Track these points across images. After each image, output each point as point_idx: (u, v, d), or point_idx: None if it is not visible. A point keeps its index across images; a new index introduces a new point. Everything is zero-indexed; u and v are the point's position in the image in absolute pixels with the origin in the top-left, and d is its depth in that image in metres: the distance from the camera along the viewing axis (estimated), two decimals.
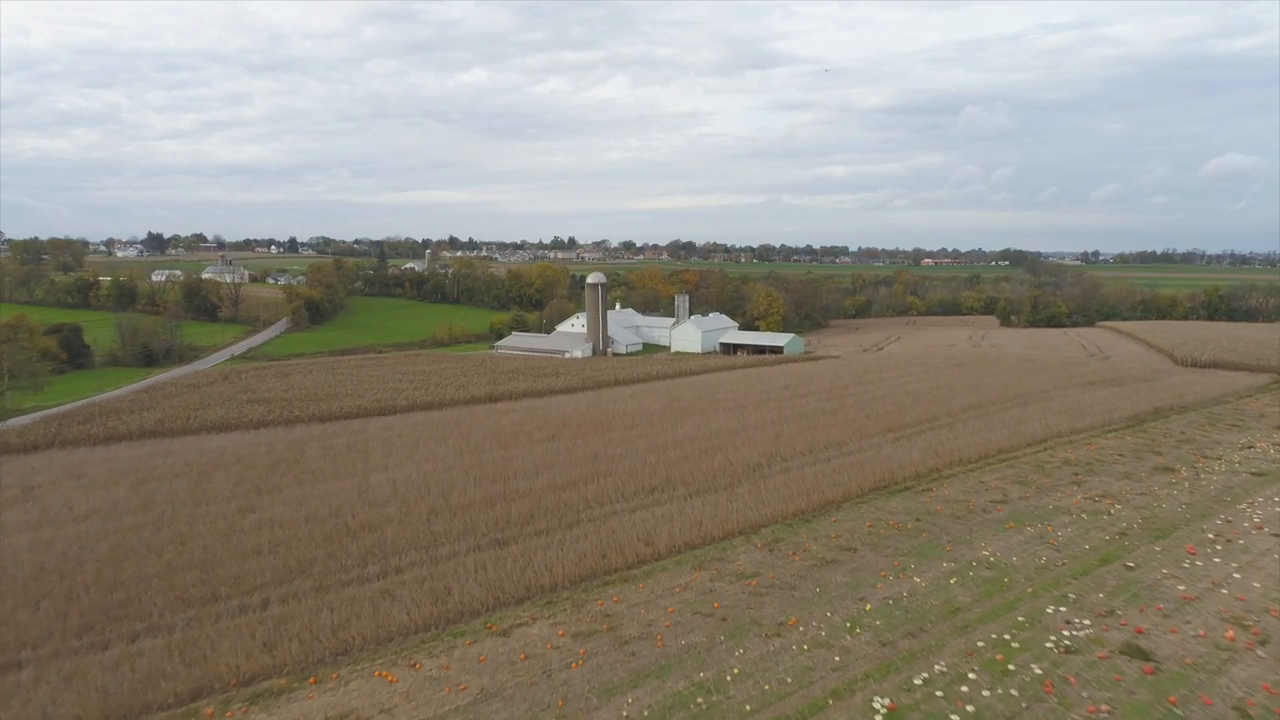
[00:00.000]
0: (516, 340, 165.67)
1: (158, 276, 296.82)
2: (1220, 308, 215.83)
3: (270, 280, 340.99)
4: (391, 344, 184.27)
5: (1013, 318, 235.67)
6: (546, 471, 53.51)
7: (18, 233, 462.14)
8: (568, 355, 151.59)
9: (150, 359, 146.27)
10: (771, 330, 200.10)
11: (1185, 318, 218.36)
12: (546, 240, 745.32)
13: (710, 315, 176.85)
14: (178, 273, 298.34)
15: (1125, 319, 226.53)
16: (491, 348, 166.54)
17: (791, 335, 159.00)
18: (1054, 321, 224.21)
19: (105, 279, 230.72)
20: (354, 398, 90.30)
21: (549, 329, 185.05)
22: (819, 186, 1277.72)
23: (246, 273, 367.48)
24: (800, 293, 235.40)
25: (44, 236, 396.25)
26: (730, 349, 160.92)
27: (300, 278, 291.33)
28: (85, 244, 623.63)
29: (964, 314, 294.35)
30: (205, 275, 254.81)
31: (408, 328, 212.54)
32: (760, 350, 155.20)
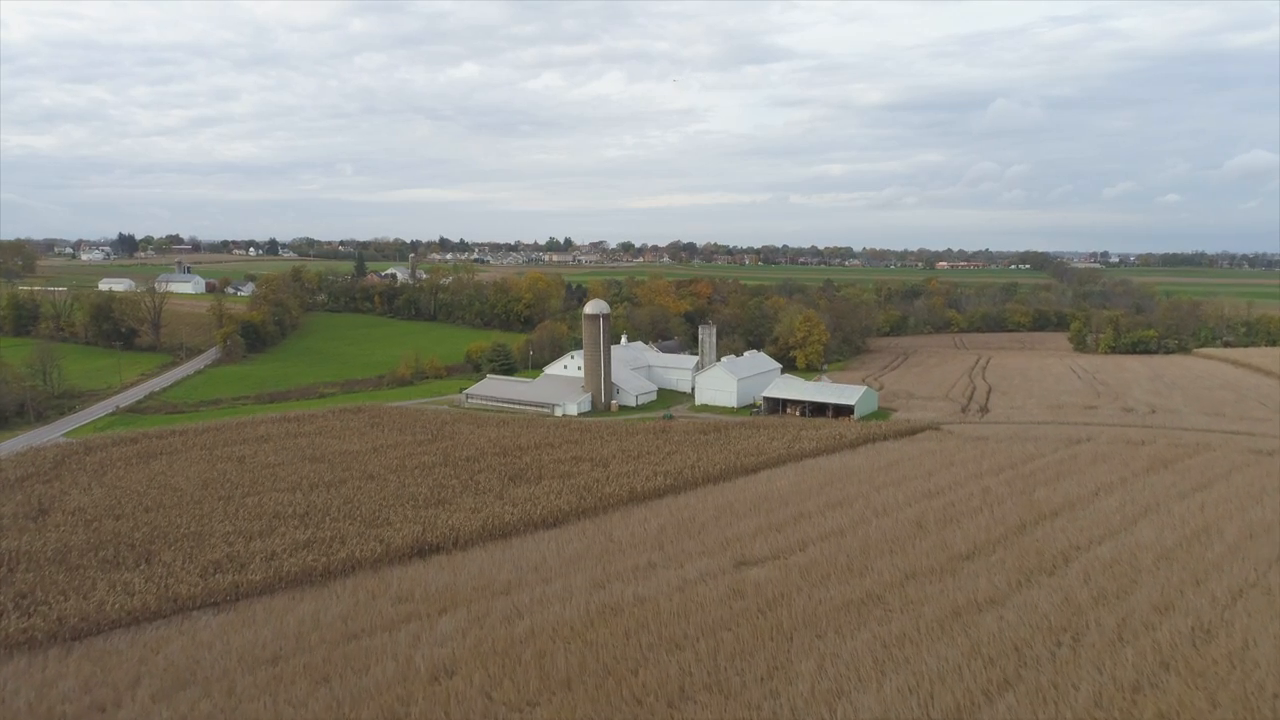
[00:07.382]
0: (493, 387, 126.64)
1: (106, 286, 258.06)
2: None
3: (231, 290, 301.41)
4: (340, 382, 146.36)
5: (1088, 339, 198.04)
6: None
7: (15, 232, 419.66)
8: (559, 412, 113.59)
9: None
10: (812, 361, 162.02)
11: None
12: (542, 241, 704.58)
13: (746, 355, 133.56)
14: (120, 282, 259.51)
15: (1227, 344, 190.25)
16: (461, 393, 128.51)
17: (864, 389, 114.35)
18: (1140, 347, 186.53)
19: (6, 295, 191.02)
20: (175, 551, 53.17)
21: (537, 362, 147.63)
22: (819, 185, 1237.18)
23: (204, 282, 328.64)
24: (837, 311, 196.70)
25: (38, 236, 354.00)
26: (777, 405, 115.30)
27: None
28: (50, 245, 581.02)
29: (1011, 330, 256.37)
30: (157, 285, 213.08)
31: (368, 356, 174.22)
32: (821, 410, 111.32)
